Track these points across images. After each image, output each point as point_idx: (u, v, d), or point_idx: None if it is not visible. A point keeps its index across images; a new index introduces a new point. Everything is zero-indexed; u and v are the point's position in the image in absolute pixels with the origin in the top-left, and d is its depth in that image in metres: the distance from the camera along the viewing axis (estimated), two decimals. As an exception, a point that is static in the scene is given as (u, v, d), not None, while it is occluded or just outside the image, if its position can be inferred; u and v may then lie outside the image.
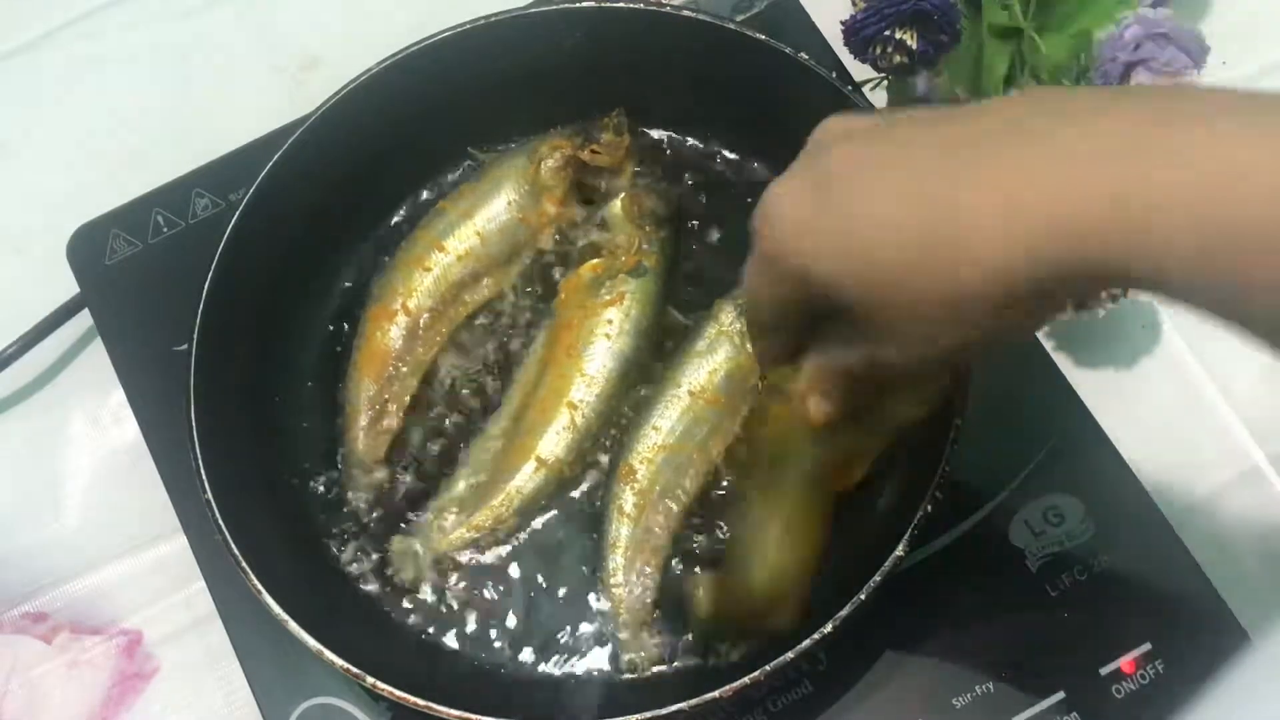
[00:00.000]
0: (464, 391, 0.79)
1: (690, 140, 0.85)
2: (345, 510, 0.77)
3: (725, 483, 0.75)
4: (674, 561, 0.74)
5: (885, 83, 0.86)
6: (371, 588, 0.75)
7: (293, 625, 0.67)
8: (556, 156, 0.82)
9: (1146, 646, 0.72)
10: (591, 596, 0.74)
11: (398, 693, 0.65)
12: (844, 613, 0.65)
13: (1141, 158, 0.44)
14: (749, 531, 0.65)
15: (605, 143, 0.82)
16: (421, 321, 0.80)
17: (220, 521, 0.69)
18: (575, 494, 0.76)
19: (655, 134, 0.85)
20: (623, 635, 0.72)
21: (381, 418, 0.78)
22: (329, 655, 0.66)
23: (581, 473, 0.76)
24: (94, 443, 0.85)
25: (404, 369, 0.79)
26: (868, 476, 0.65)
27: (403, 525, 0.76)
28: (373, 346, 0.79)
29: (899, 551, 0.66)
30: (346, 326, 0.81)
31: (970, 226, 0.47)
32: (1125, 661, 0.71)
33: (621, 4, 0.79)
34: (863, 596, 0.65)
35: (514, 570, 0.75)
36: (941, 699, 0.71)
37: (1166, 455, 0.78)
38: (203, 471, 0.70)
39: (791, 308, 0.55)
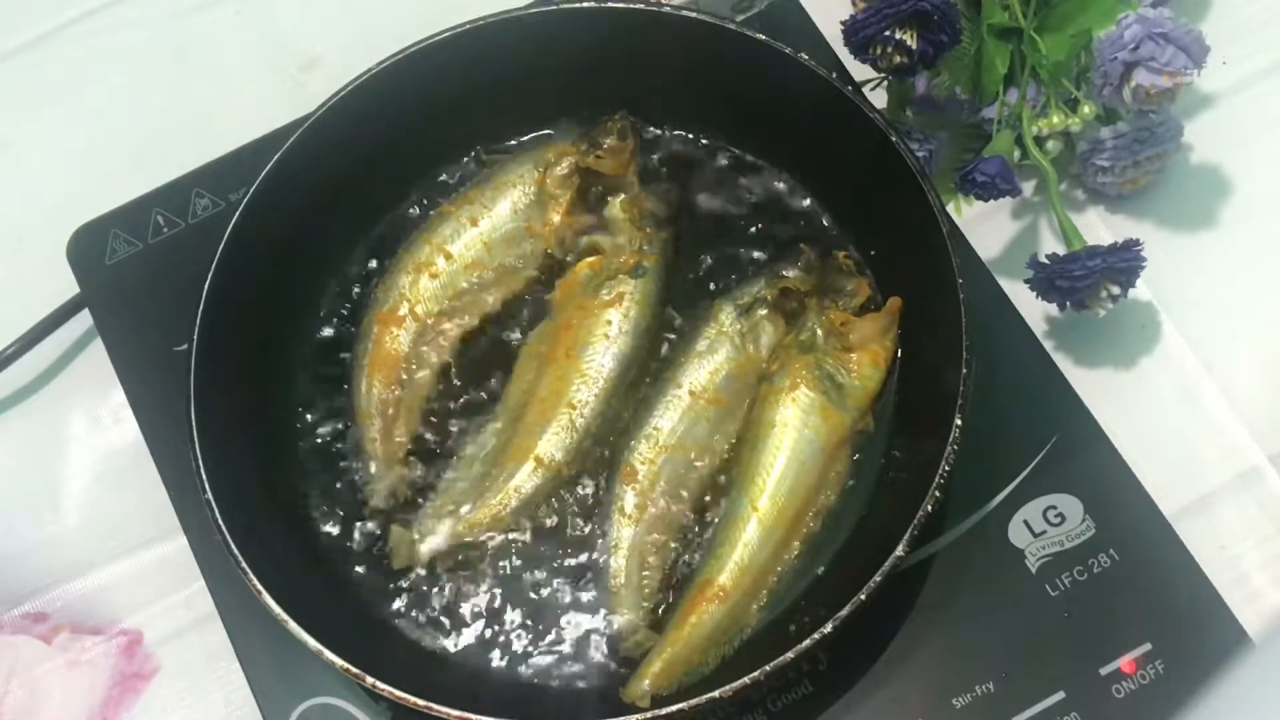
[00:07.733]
0: (463, 390, 0.79)
1: (690, 140, 0.85)
2: (345, 511, 0.76)
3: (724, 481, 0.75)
4: (676, 561, 0.74)
5: (885, 83, 0.86)
6: (372, 588, 0.75)
7: (293, 625, 0.67)
8: (564, 164, 0.81)
9: (1146, 646, 0.72)
10: (592, 597, 0.73)
11: (398, 693, 0.65)
12: (844, 613, 0.65)
13: None
14: None
15: (610, 148, 0.81)
16: (431, 327, 0.79)
17: (220, 521, 0.69)
18: (575, 494, 0.76)
19: (655, 134, 0.85)
20: (624, 634, 0.72)
21: (396, 421, 0.78)
22: (329, 655, 0.66)
23: (581, 473, 0.76)
24: (94, 443, 0.85)
25: (417, 372, 0.79)
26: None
27: (403, 520, 0.76)
28: (382, 351, 0.79)
29: (899, 551, 0.66)
30: (348, 327, 0.81)
31: None
32: (1125, 661, 0.71)
33: (621, 4, 0.79)
34: (863, 596, 0.65)
35: (513, 570, 0.74)
36: (941, 699, 0.71)
37: (1166, 455, 0.78)
38: (203, 471, 0.70)
39: None
